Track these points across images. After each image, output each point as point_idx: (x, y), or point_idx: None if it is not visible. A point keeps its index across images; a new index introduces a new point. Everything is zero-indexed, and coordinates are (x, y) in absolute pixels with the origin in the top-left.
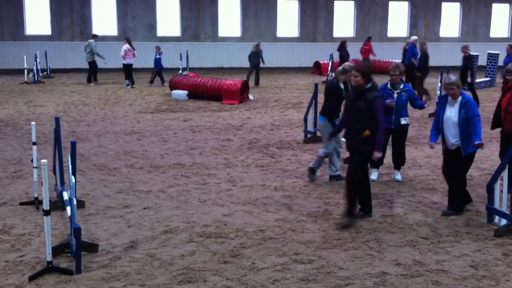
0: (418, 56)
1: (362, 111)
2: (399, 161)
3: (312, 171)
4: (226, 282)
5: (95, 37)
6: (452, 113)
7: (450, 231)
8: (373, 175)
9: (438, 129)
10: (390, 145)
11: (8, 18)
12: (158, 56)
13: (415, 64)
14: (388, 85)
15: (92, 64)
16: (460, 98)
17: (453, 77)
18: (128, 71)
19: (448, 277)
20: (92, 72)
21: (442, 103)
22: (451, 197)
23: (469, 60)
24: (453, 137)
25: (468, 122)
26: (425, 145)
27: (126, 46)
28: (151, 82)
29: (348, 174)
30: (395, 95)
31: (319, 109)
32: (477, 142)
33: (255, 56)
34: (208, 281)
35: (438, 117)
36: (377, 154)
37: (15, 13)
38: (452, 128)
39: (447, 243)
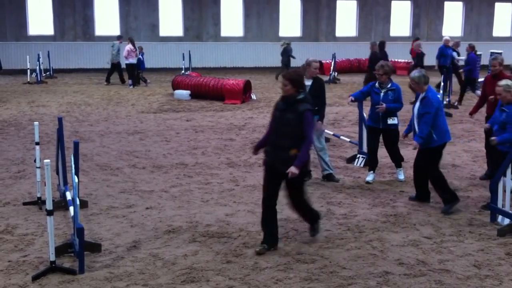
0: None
1: (290, 125)
2: (396, 160)
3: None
4: (229, 282)
5: (120, 38)
6: (415, 107)
7: (453, 230)
8: (369, 177)
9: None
10: (381, 145)
11: (11, 18)
12: (140, 56)
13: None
14: (376, 84)
15: (117, 65)
16: (424, 93)
17: (417, 73)
18: (131, 71)
19: (451, 276)
20: (119, 72)
21: (416, 97)
22: (440, 195)
23: (419, 58)
24: (417, 130)
25: (420, 118)
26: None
27: (129, 47)
28: (145, 82)
29: (294, 205)
30: (382, 94)
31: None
32: (415, 143)
33: (285, 54)
34: (211, 281)
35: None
36: (294, 170)
37: (17, 13)
38: (415, 121)
39: (450, 243)
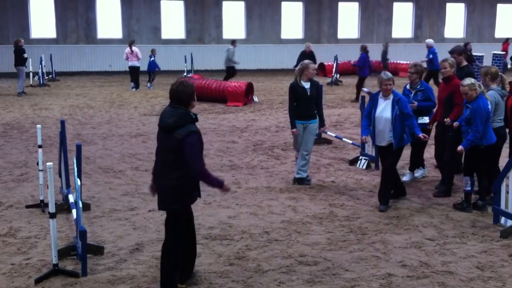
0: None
1: (170, 151)
2: (419, 159)
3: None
4: (232, 284)
5: (233, 42)
6: (384, 110)
7: (456, 232)
8: (406, 177)
9: (369, 125)
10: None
11: (13, 21)
12: (152, 59)
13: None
14: (407, 86)
15: (230, 68)
16: (392, 95)
17: (390, 74)
18: (133, 74)
19: (454, 278)
20: (230, 76)
21: (374, 101)
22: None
23: (310, 58)
24: (388, 133)
25: (405, 118)
26: (431, 146)
27: (127, 49)
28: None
29: (169, 248)
30: (412, 94)
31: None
32: (420, 135)
33: (384, 56)
34: (214, 283)
35: (369, 114)
36: (226, 186)
37: (20, 16)
38: (386, 124)
39: (453, 245)
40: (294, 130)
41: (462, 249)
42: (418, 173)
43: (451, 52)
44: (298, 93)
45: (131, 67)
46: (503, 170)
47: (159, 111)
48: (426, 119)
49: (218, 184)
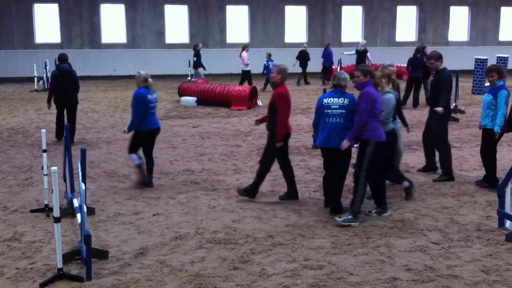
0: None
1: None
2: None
3: None
4: None
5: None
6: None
7: (461, 236)
8: None
9: None
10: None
11: (18, 26)
12: (269, 62)
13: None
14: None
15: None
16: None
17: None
18: (242, 78)
19: (459, 282)
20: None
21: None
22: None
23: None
24: None
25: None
26: None
27: (244, 53)
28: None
29: None
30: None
31: None
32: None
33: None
34: (218, 287)
35: None
36: None
37: (25, 21)
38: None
39: (458, 248)
40: None
41: (467, 252)
42: None
43: (428, 58)
44: None
45: (246, 71)
46: (508, 174)
47: (163, 115)
48: None
49: None
